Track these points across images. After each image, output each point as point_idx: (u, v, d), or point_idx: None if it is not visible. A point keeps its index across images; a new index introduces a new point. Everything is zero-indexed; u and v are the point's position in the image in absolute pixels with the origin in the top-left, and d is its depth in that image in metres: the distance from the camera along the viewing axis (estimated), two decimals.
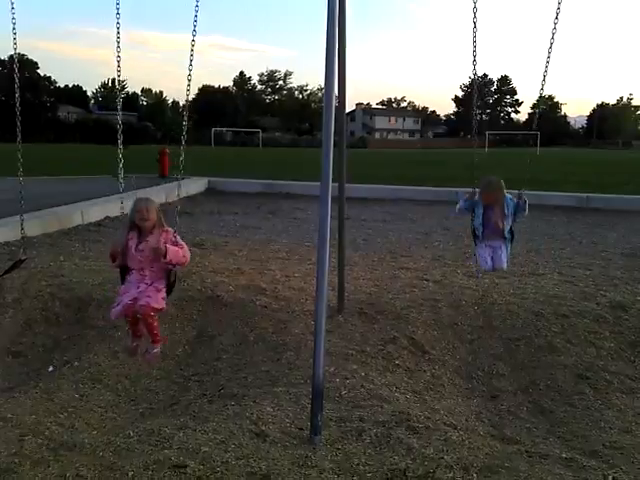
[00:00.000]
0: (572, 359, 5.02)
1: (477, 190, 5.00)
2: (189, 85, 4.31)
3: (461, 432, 3.55)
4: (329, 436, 3.34)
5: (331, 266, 5.71)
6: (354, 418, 3.56)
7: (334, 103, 3.62)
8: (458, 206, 5.17)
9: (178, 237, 4.21)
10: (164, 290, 4.22)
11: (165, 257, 4.04)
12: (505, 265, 5.11)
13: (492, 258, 5.14)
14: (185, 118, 4.43)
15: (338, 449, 3.21)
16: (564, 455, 3.36)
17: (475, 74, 4.77)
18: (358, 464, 3.05)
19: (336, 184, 5.08)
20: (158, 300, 4.12)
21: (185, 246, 4.22)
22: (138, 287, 4.12)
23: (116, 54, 4.30)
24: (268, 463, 3.00)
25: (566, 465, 3.22)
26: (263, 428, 3.37)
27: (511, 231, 5.12)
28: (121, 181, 4.48)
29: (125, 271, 4.30)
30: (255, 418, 3.50)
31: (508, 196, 5.01)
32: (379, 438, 3.31)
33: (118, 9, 4.29)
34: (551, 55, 4.40)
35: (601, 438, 3.76)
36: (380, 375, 4.40)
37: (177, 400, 4.28)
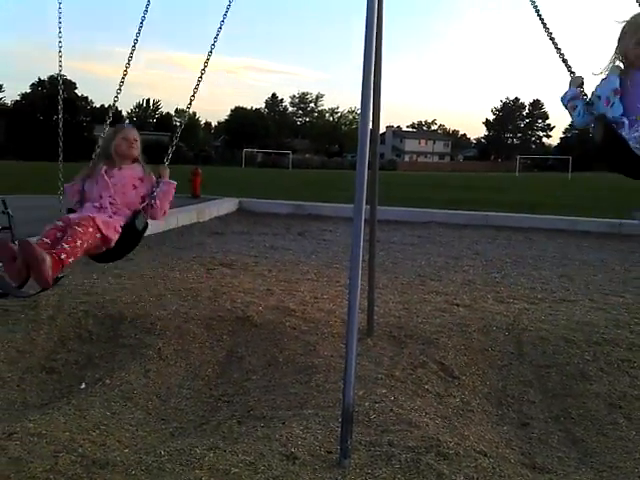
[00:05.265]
0: (605, 388, 4.93)
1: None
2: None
3: (492, 459, 3.51)
4: (358, 460, 3.33)
5: (361, 289, 5.74)
6: (383, 442, 3.55)
7: (369, 127, 3.65)
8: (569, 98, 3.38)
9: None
10: (120, 227, 3.69)
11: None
12: None
13: None
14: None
15: (367, 473, 3.19)
16: None
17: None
18: None
19: (367, 206, 5.11)
20: (109, 225, 3.55)
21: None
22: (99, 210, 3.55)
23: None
24: None
25: None
26: (292, 450, 3.38)
27: None
28: None
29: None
30: (284, 440, 3.51)
31: None
32: (409, 463, 3.29)
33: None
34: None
35: (636, 470, 3.69)
36: (409, 400, 4.38)
37: (207, 420, 4.31)
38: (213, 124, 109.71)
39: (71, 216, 3.48)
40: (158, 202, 3.77)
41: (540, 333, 5.77)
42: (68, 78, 72.47)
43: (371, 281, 5.71)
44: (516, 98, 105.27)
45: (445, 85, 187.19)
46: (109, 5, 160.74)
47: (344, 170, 51.37)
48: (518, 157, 63.36)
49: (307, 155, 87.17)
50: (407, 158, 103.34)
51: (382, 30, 4.73)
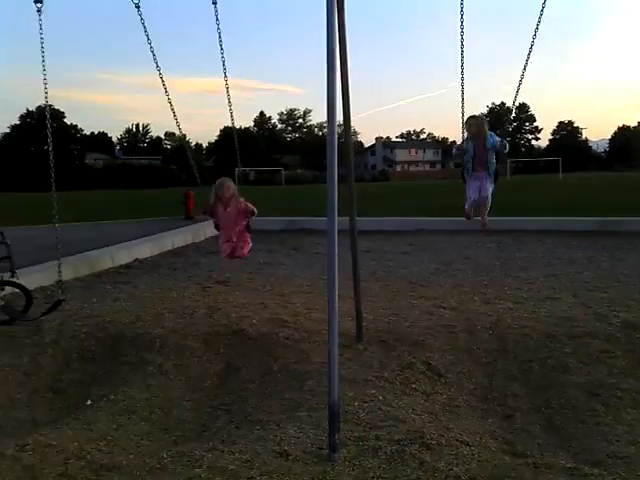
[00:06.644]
0: (584, 378, 5.19)
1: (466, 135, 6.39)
2: None
3: (473, 448, 3.76)
4: (347, 454, 3.58)
5: (349, 297, 6.01)
6: (371, 437, 3.80)
7: (336, 137, 3.80)
8: (454, 151, 6.73)
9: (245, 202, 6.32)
10: (249, 238, 6.42)
11: (253, 214, 6.26)
12: (489, 192, 6.40)
13: (479, 189, 6.42)
14: None
15: (355, 465, 3.45)
16: (569, 465, 3.55)
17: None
18: (373, 477, 3.29)
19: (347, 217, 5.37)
20: (246, 248, 6.40)
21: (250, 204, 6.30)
22: (231, 241, 6.29)
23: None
24: (290, 478, 3.26)
25: (570, 474, 3.40)
26: (286, 448, 3.63)
27: (495, 170, 6.42)
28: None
29: (217, 227, 6.51)
30: (278, 440, 3.76)
31: (490, 133, 6.34)
32: (394, 454, 3.54)
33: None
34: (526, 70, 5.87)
35: (607, 450, 3.94)
36: (397, 398, 4.63)
37: (207, 427, 4.55)
38: (204, 145, 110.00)
39: (235, 252, 6.40)
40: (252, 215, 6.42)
41: (523, 330, 6.04)
42: (56, 107, 72.91)
43: (356, 288, 5.96)
44: (502, 103, 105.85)
45: (431, 94, 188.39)
46: (86, 31, 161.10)
47: None
48: (508, 161, 63.76)
49: (299, 170, 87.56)
50: (399, 168, 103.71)
51: (346, 44, 5.01)
